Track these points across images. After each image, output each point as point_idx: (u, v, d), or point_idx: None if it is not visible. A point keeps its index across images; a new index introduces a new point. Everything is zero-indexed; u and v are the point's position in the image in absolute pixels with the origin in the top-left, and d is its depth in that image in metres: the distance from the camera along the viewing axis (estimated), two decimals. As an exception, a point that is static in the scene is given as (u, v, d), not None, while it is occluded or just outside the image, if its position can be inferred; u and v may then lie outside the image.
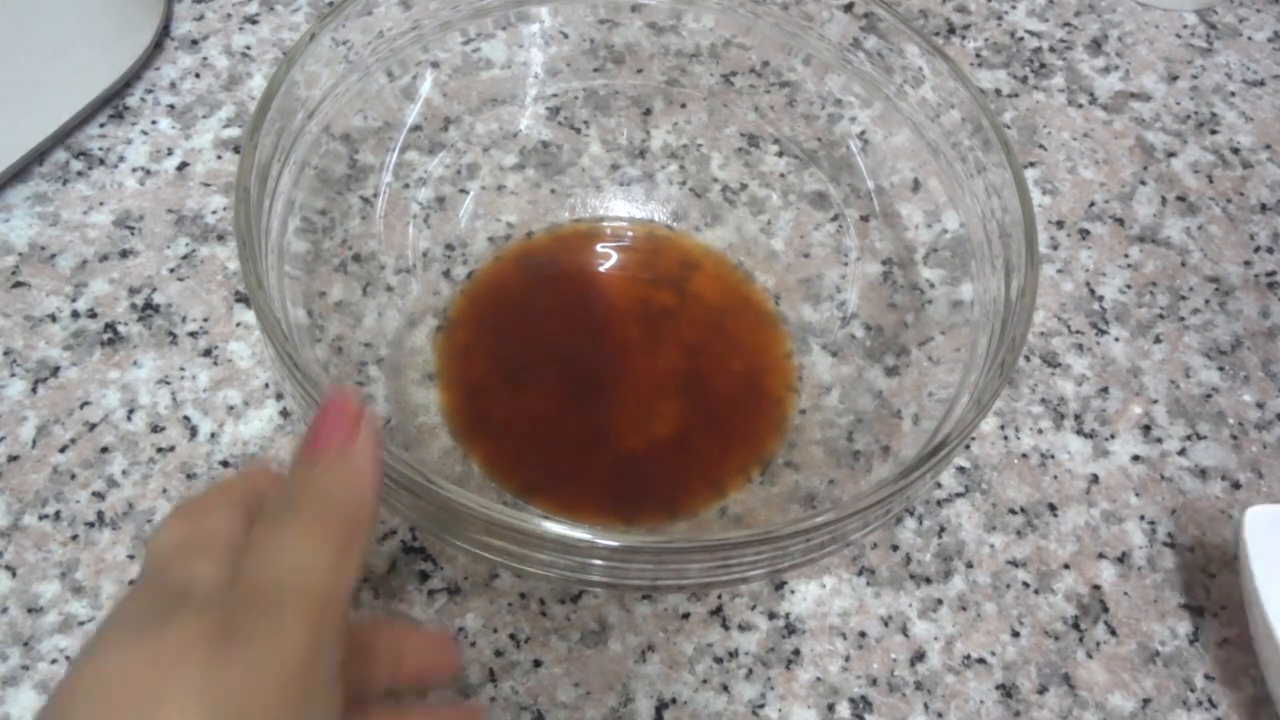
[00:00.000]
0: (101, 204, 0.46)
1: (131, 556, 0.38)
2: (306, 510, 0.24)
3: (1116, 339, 0.46)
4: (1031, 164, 0.49)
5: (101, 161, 0.48)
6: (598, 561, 0.30)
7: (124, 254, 0.45)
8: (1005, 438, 0.43)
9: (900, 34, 0.41)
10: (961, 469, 0.42)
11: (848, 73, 0.44)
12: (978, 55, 0.52)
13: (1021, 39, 0.53)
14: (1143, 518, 0.42)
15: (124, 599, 0.23)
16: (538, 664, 0.38)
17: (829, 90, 0.46)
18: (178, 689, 0.21)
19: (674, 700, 0.37)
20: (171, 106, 0.50)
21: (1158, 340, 0.45)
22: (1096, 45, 0.53)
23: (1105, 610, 0.40)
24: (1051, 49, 0.53)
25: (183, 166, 0.48)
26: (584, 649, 0.38)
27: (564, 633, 0.38)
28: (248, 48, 0.53)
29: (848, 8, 0.43)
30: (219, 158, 0.48)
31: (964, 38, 0.53)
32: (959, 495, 0.42)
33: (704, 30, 0.47)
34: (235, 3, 0.55)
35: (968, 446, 0.43)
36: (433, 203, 0.45)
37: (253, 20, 0.54)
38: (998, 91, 0.51)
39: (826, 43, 0.44)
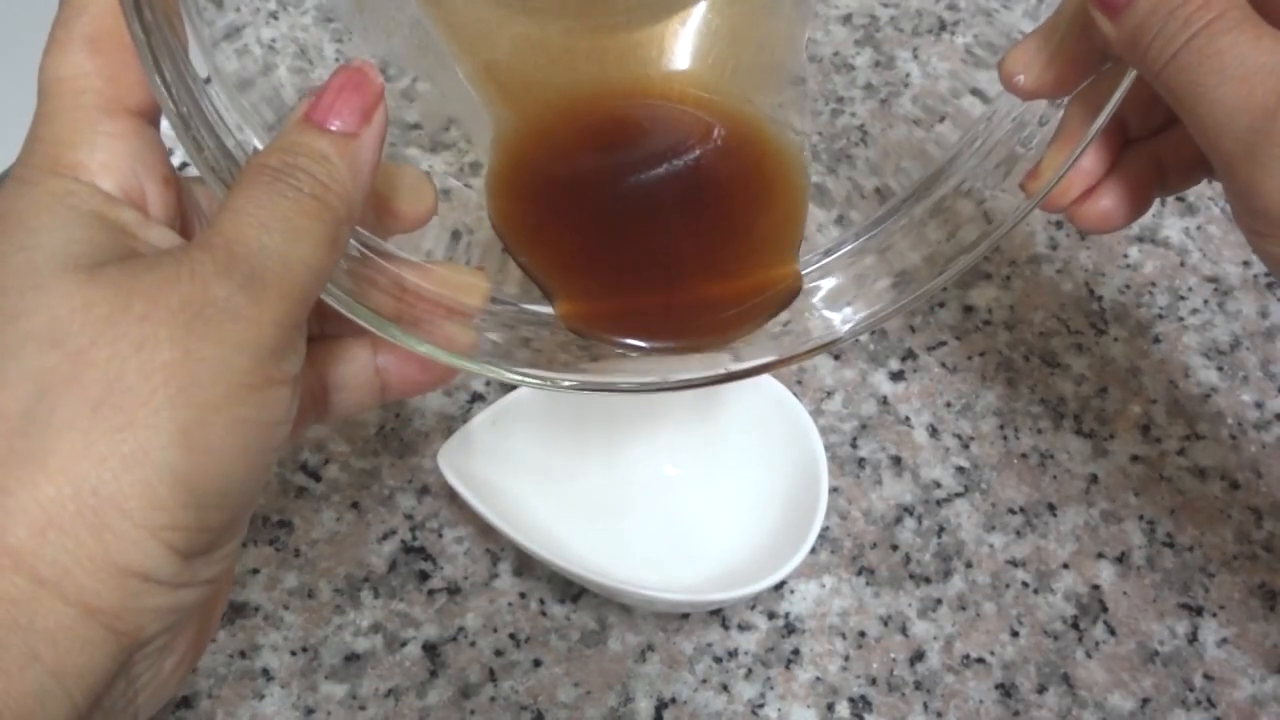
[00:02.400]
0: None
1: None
2: (306, 189, 0.21)
3: (1115, 339, 0.46)
4: (1030, 164, 0.49)
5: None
6: None
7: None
8: (1004, 437, 0.43)
9: None
10: (960, 469, 0.42)
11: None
12: (969, 53, 0.52)
13: (1018, 40, 0.53)
14: (1142, 517, 0.42)
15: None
16: (538, 664, 0.38)
17: (831, 88, 0.45)
18: (148, 360, 0.19)
19: (674, 700, 0.37)
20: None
21: (1156, 340, 0.46)
22: (1095, 45, 0.53)
23: (1104, 610, 0.40)
24: (1050, 49, 0.53)
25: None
26: (584, 649, 0.38)
27: (564, 632, 0.38)
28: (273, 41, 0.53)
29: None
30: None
31: (953, 34, 0.53)
32: (958, 495, 0.42)
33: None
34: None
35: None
36: (440, 195, 0.45)
37: (273, 16, 0.54)
38: (997, 91, 0.51)
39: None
